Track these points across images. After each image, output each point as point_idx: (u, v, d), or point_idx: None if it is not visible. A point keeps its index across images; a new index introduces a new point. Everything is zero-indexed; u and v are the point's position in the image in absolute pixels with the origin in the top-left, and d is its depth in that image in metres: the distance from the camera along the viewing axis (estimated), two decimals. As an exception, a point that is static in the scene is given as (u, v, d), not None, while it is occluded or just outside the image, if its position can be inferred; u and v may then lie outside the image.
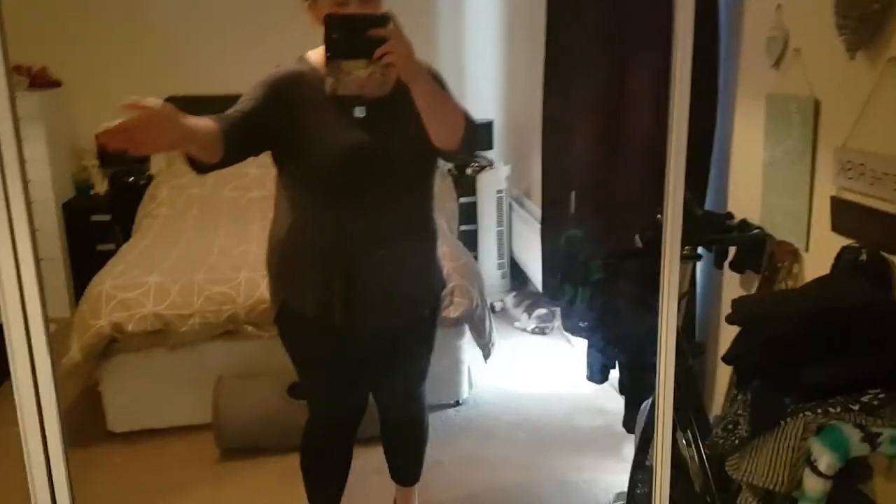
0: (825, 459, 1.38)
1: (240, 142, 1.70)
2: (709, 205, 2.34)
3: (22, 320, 1.09)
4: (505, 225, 4.28)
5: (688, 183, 1.36)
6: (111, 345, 2.80)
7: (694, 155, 1.32)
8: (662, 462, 1.44)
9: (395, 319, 1.94)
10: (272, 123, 1.76)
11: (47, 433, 1.12)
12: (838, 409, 1.41)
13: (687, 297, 2.20)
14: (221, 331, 2.88)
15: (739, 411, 1.51)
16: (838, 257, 1.69)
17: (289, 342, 2.00)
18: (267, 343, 2.83)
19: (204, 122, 1.63)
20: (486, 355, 3.11)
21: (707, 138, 2.29)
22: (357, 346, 1.94)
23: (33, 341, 1.09)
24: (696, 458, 1.88)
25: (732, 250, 2.16)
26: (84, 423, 2.93)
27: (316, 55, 1.83)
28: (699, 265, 2.34)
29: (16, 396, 1.10)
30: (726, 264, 2.18)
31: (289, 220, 1.88)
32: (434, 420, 2.94)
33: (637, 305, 2.04)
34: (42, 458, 1.12)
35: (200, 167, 1.67)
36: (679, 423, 1.93)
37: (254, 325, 2.87)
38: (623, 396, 2.58)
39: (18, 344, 1.09)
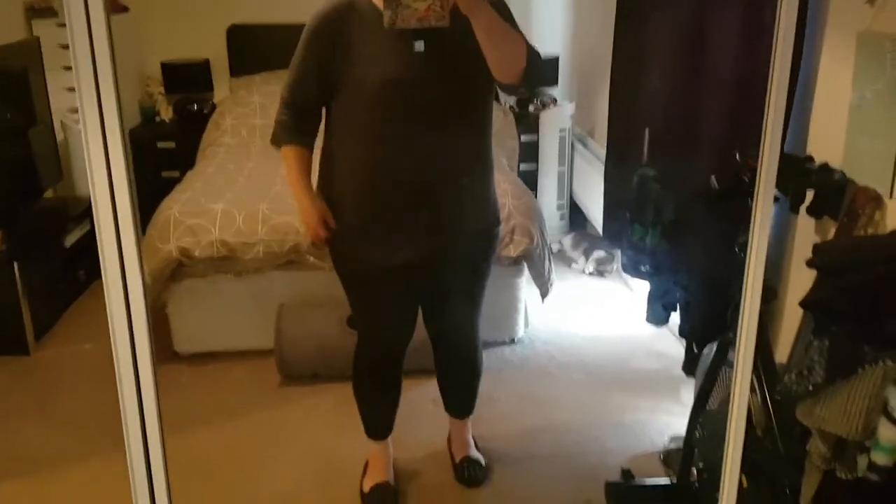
0: (904, 409, 1.35)
1: (315, 114, 1.90)
2: (788, 146, 2.25)
3: (115, 236, 1.11)
4: (567, 165, 4.21)
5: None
6: (178, 269, 2.87)
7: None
8: (739, 406, 1.42)
9: (447, 249, 1.94)
10: (330, 69, 1.78)
11: (137, 349, 1.15)
12: (921, 360, 1.37)
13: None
14: (284, 260, 2.92)
15: (815, 357, 1.48)
16: (928, 204, 1.61)
17: (339, 270, 2.04)
18: (328, 274, 2.85)
19: (308, 165, 1.94)
20: (544, 294, 3.10)
21: (791, 77, 2.18)
22: (406, 273, 1.95)
23: (126, 262, 1.12)
24: (761, 403, 1.86)
25: (810, 194, 2.08)
26: (154, 343, 3.02)
27: None
28: (773, 208, 2.27)
29: (108, 314, 1.13)
30: (802, 209, 2.11)
31: (341, 152, 1.89)
32: (489, 357, 2.96)
33: (708, 246, 1.99)
34: (132, 372, 1.15)
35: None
36: (745, 369, 1.90)
37: (315, 256, 2.91)
38: (683, 340, 2.55)
39: (111, 260, 1.11)
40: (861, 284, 1.42)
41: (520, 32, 1.75)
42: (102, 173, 1.09)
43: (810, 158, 2.08)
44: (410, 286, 2.02)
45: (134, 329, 1.14)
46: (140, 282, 1.12)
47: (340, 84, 1.80)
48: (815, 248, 1.53)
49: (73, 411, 2.60)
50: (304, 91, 1.87)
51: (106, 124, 1.08)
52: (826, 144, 2.11)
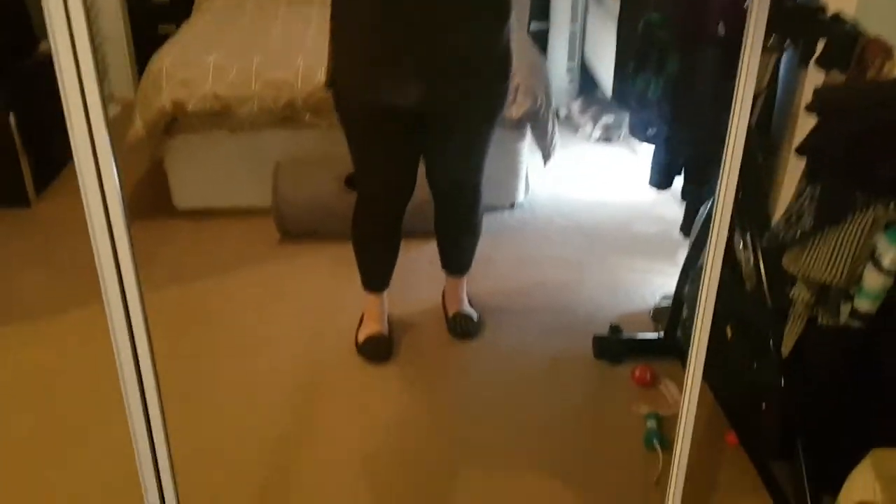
0: (890, 255, 1.33)
1: None
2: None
3: (79, 93, 1.06)
4: (579, 23, 4.03)
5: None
6: (174, 123, 2.83)
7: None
8: (715, 251, 1.40)
9: (452, 98, 1.88)
10: None
11: (108, 203, 1.12)
12: (913, 206, 1.33)
13: (766, 94, 2.06)
14: (280, 117, 2.86)
15: (805, 204, 1.44)
16: (942, 49, 1.52)
17: (343, 121, 1.99)
18: (325, 132, 2.82)
19: None
20: (546, 158, 3.05)
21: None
22: (411, 118, 1.90)
23: (91, 117, 1.07)
24: (752, 259, 1.84)
25: (820, 46, 1.98)
26: (152, 198, 3.04)
27: None
28: (782, 61, 2.17)
29: (77, 170, 1.10)
30: (812, 62, 2.01)
31: None
32: (489, 220, 2.94)
33: (713, 99, 1.92)
34: (105, 225, 1.13)
35: None
36: (738, 224, 1.88)
37: (312, 113, 2.85)
38: (685, 202, 2.52)
39: (77, 117, 1.07)
40: (857, 129, 1.36)
41: None
42: (63, 29, 1.03)
43: (822, 9, 1.97)
44: (414, 132, 1.98)
45: (104, 186, 1.11)
46: (106, 139, 1.08)
47: None
48: (816, 91, 1.47)
49: (73, 260, 2.64)
50: None
51: None
52: (843, -8, 1.98)
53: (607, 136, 3.73)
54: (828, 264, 1.39)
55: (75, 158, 1.09)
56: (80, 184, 1.10)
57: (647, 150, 2.97)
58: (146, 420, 1.20)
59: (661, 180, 2.48)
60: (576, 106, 3.95)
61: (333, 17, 1.89)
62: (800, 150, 1.48)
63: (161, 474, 1.26)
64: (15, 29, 3.15)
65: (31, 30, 3.24)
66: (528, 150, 3.06)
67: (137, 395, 1.18)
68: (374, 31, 1.81)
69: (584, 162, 3.56)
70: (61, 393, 2.09)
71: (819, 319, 1.46)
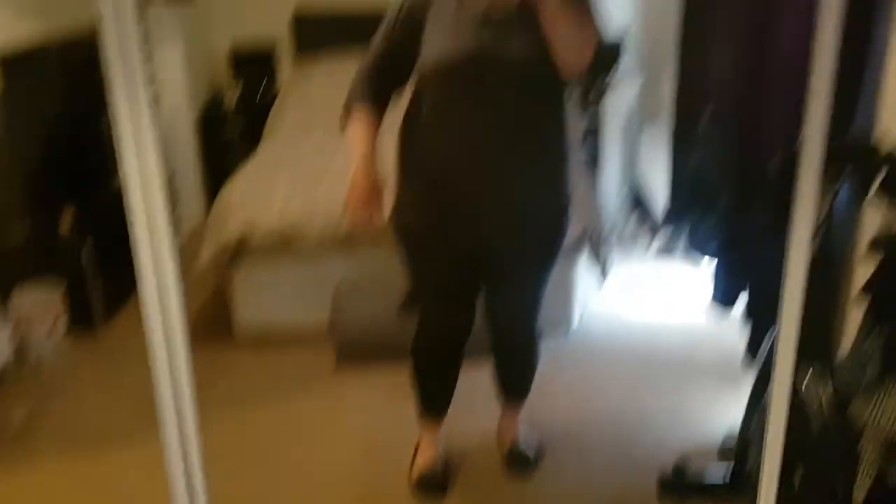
0: (968, 410, 1.25)
1: (395, 79, 1.89)
2: (857, 127, 2.11)
3: (147, 230, 1.12)
4: (631, 145, 4.09)
5: (834, 104, 1.21)
6: (239, 252, 2.93)
7: (843, 71, 1.17)
8: (780, 400, 1.35)
9: (512, 238, 1.91)
10: (416, 28, 1.81)
11: (170, 336, 1.16)
12: None
13: (825, 226, 2.02)
14: (343, 241, 2.93)
15: (872, 350, 1.38)
16: None
17: (404, 252, 2.02)
18: (386, 255, 2.87)
19: (374, 137, 1.90)
20: (602, 281, 3.03)
21: (859, 52, 2.04)
22: (471, 252, 1.93)
23: (160, 253, 1.13)
24: (817, 399, 1.76)
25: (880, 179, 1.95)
26: (212, 324, 3.11)
27: None
28: (839, 194, 2.14)
29: (142, 304, 1.15)
30: (872, 193, 1.98)
31: (415, 127, 1.89)
32: (543, 346, 2.91)
33: (774, 230, 1.89)
34: (165, 355, 1.17)
35: None
36: (805, 357, 1.80)
37: (372, 238, 2.91)
38: (748, 324, 2.44)
39: (144, 252, 1.13)
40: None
41: (592, 18, 1.68)
42: (133, 165, 1.10)
43: (880, 141, 1.95)
44: (474, 270, 2.00)
45: (167, 318, 1.15)
46: (174, 269, 1.13)
47: (419, 56, 1.81)
48: (880, 231, 1.43)
49: (135, 388, 2.68)
50: (395, 43, 1.87)
51: (142, 120, 1.08)
52: (898, 124, 1.97)
53: (667, 249, 3.67)
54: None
55: (140, 290, 1.14)
56: (144, 314, 1.14)
57: (705, 266, 2.91)
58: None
59: (725, 297, 2.43)
60: (630, 224, 3.94)
61: (399, 148, 1.96)
62: (866, 289, 1.43)
63: None
64: (94, 159, 3.35)
65: (109, 161, 3.45)
66: (582, 272, 3.04)
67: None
68: (436, 167, 1.87)
69: (640, 280, 3.51)
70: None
71: (888, 478, 1.37)
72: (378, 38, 1.90)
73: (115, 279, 3.23)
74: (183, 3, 4.17)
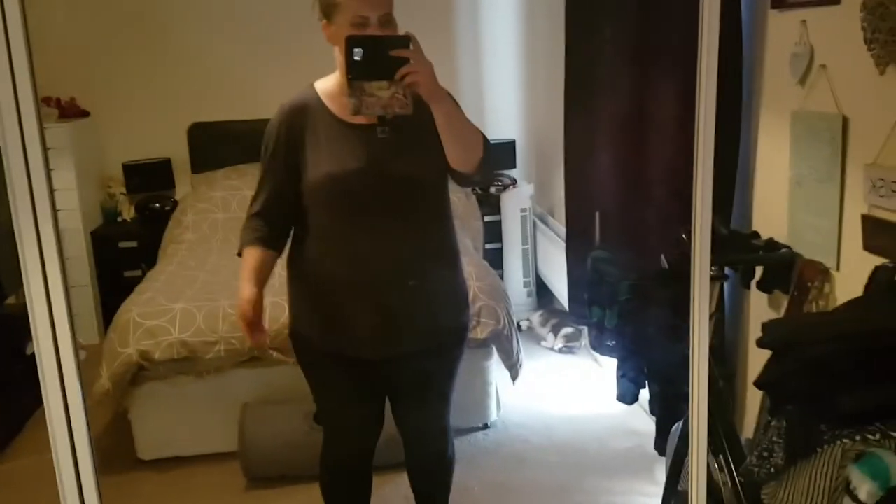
0: (865, 487, 1.34)
1: (285, 219, 1.88)
2: (733, 224, 2.30)
3: (53, 350, 1.10)
4: (530, 243, 4.26)
5: (713, 202, 1.34)
6: (140, 372, 2.82)
7: (718, 173, 1.30)
8: (698, 488, 1.41)
9: (413, 348, 1.91)
10: (293, 163, 1.80)
11: (79, 460, 1.12)
12: (877, 436, 1.37)
13: (716, 319, 2.16)
14: (247, 357, 2.88)
15: (774, 438, 1.48)
16: (872, 277, 1.65)
17: (304, 366, 2.01)
18: (293, 369, 2.80)
19: (265, 268, 1.89)
20: (514, 376, 3.08)
21: (731, 156, 2.26)
22: (372, 373, 1.93)
23: (64, 370, 1.10)
24: (730, 483, 1.84)
25: (759, 270, 2.12)
26: (114, 450, 2.95)
27: (322, 85, 1.85)
28: (725, 286, 2.30)
29: (48, 425, 1.11)
30: (753, 284, 2.14)
31: (304, 248, 1.89)
32: (462, 444, 2.92)
33: (666, 328, 2.01)
34: (74, 485, 1.12)
35: None
36: (710, 448, 1.89)
37: (279, 351, 2.87)
38: (654, 416, 2.54)
39: (50, 373, 1.10)
40: (807, 364, 1.43)
41: (473, 124, 1.80)
42: (40, 287, 1.08)
43: (756, 234, 2.13)
44: (376, 381, 1.99)
45: (76, 444, 1.11)
46: (80, 395, 1.10)
47: (301, 180, 1.81)
48: (764, 326, 1.55)
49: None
50: (275, 198, 1.87)
51: (42, 237, 1.07)
52: (771, 220, 2.16)
53: (569, 347, 3.80)
54: (806, 499, 1.40)
55: (47, 415, 1.10)
56: (51, 438, 1.11)
57: (610, 362, 3.04)
58: None
59: (627, 396, 2.53)
60: (536, 318, 4.06)
61: (289, 268, 1.95)
62: (758, 385, 1.53)
63: None
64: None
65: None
66: (495, 367, 3.10)
67: None
68: (327, 284, 1.86)
69: (550, 374, 3.60)
70: None
71: (807, 556, 1.44)
72: (258, 180, 1.90)
73: (5, 411, 3.03)
74: (77, 116, 4.13)
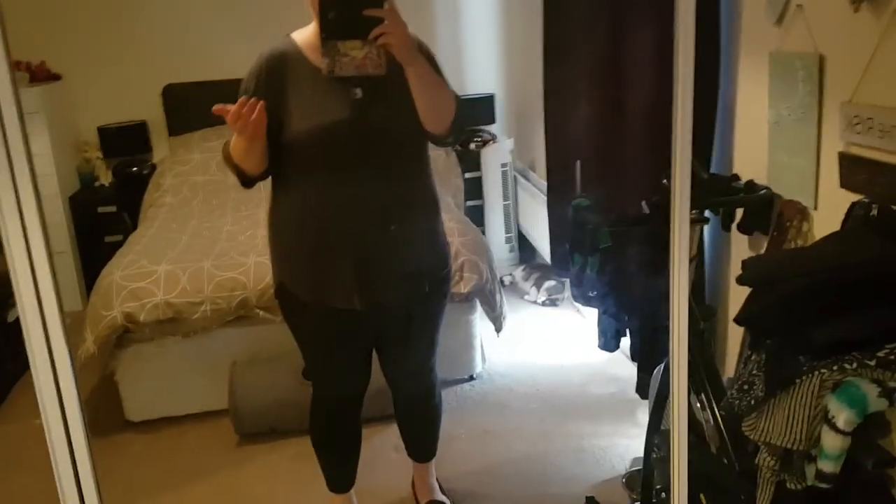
0: (843, 416, 1.38)
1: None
2: (714, 167, 2.32)
3: (38, 314, 1.09)
4: (511, 198, 4.27)
5: (693, 146, 1.35)
6: (125, 335, 2.82)
7: (698, 117, 1.31)
8: (679, 425, 1.44)
9: (396, 296, 1.93)
10: (272, 109, 1.76)
11: (69, 423, 1.12)
12: (854, 365, 1.40)
13: (696, 261, 2.19)
14: (233, 317, 2.88)
15: (754, 371, 1.51)
16: (848, 214, 1.67)
17: (290, 321, 2.02)
18: (279, 327, 2.80)
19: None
20: (498, 328, 3.12)
21: (711, 100, 2.26)
22: (357, 318, 1.94)
23: (51, 334, 1.10)
24: (712, 420, 1.89)
25: (740, 212, 2.15)
26: (103, 412, 2.96)
27: (301, 35, 1.83)
28: (706, 228, 2.33)
29: (36, 389, 1.10)
30: (734, 226, 2.17)
31: (284, 201, 1.89)
32: (448, 395, 2.96)
33: (647, 271, 2.03)
34: (66, 448, 1.13)
35: (246, 180, 1.86)
36: (692, 387, 1.93)
37: (265, 310, 2.88)
38: (635, 363, 2.58)
39: (36, 338, 1.09)
40: (786, 297, 1.45)
41: (448, 86, 1.80)
42: (21, 249, 1.07)
43: (736, 177, 2.15)
44: (362, 330, 2.01)
45: (66, 408, 1.11)
46: (68, 359, 1.10)
47: (281, 131, 1.80)
48: (743, 263, 1.57)
49: (25, 488, 2.51)
50: None
51: (21, 199, 1.06)
52: (751, 163, 2.18)
53: (552, 300, 3.84)
54: (785, 429, 1.44)
55: (35, 380, 1.09)
56: (40, 403, 1.10)
57: (592, 312, 3.08)
58: None
59: (608, 344, 2.56)
60: (519, 273, 4.09)
61: (270, 224, 1.96)
62: (738, 321, 1.56)
63: None
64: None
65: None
66: (480, 321, 3.13)
67: None
68: (309, 236, 1.87)
69: (534, 326, 3.64)
70: None
71: (787, 484, 1.49)
72: None
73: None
74: (48, 80, 4.05)
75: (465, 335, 3.10)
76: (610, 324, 2.51)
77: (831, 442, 1.41)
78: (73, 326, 3.16)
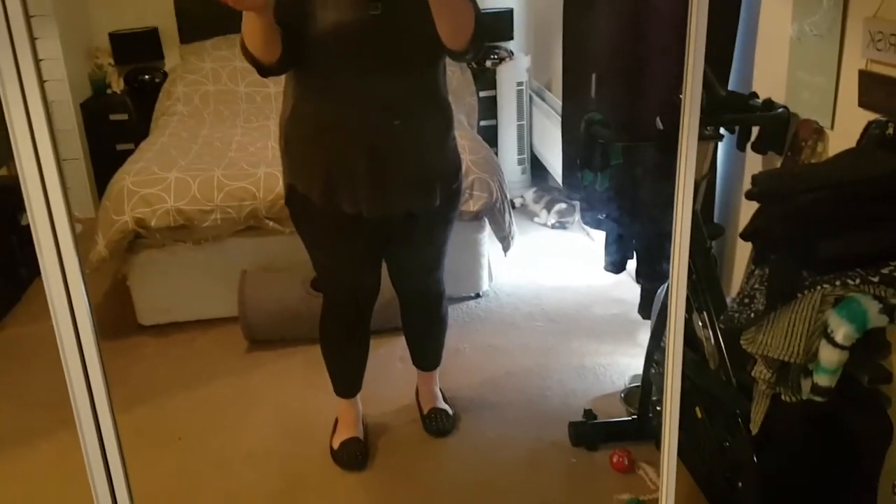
0: (842, 330, 1.39)
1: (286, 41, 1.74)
2: (733, 85, 2.27)
3: (48, 219, 1.10)
4: (526, 119, 4.21)
5: (711, 61, 1.31)
6: (136, 240, 2.85)
7: (718, 33, 1.27)
8: (675, 339, 1.46)
9: (407, 199, 1.94)
10: (290, 12, 1.74)
11: (79, 326, 1.14)
12: (857, 281, 1.40)
13: (707, 180, 2.17)
14: (243, 226, 2.91)
15: (756, 285, 1.51)
16: (864, 132, 1.65)
17: (299, 226, 2.03)
18: (289, 238, 2.85)
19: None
20: (506, 248, 3.13)
21: (732, 16, 2.20)
22: (367, 225, 1.95)
23: (59, 237, 1.11)
24: (712, 338, 1.90)
25: (755, 131, 2.11)
26: (116, 316, 3.02)
27: None
28: (721, 147, 2.30)
29: (46, 290, 1.12)
30: (749, 146, 2.14)
31: (297, 105, 1.88)
32: (455, 311, 3.00)
33: (657, 189, 2.02)
34: (76, 350, 1.15)
35: (262, 68, 1.76)
36: (695, 305, 1.95)
37: (275, 221, 2.90)
38: (640, 285, 2.59)
39: (46, 241, 1.10)
40: (794, 211, 1.45)
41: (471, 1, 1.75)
42: (30, 155, 1.07)
43: (754, 95, 2.11)
44: (371, 238, 2.03)
45: (75, 309, 1.13)
46: (76, 261, 1.11)
47: (301, 31, 1.77)
48: (753, 178, 1.56)
49: (39, 387, 2.59)
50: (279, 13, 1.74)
51: (29, 104, 1.05)
52: (770, 80, 2.14)
53: (562, 223, 3.84)
54: (784, 343, 1.45)
55: (45, 282, 1.11)
56: (50, 305, 1.12)
57: (600, 237, 3.08)
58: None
59: (614, 265, 2.57)
60: (530, 195, 4.07)
61: (283, 131, 1.96)
62: (743, 236, 1.56)
63: None
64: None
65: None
66: (488, 240, 3.14)
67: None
68: (322, 143, 1.87)
69: (542, 248, 3.65)
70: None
71: (782, 396, 1.51)
72: None
73: (3, 280, 3.08)
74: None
75: (473, 253, 3.11)
76: (616, 245, 2.52)
77: (829, 356, 1.42)
78: (86, 232, 3.21)
